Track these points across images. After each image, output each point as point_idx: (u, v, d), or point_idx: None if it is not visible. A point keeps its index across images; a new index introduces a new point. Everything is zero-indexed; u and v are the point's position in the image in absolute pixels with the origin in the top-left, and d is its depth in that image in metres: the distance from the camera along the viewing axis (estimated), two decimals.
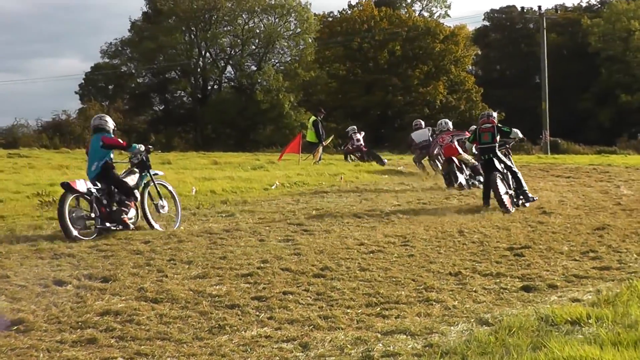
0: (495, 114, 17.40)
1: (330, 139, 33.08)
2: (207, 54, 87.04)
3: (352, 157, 30.15)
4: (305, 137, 32.35)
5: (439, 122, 23.72)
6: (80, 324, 7.01)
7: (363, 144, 30.77)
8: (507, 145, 17.10)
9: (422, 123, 26.80)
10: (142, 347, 6.37)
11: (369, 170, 25.64)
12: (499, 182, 15.58)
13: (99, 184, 12.47)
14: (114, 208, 12.43)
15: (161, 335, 6.73)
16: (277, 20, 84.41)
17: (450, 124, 23.49)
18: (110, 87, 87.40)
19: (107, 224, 12.16)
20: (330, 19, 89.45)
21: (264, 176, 22.24)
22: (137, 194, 12.87)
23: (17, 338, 6.55)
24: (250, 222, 13.60)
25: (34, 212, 14.62)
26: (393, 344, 6.60)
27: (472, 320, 7.50)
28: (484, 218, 14.25)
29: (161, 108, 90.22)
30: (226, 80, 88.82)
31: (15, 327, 6.84)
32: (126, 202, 12.55)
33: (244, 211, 15.02)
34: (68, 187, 12.10)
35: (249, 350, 6.40)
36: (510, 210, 15.20)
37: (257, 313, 7.58)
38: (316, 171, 24.23)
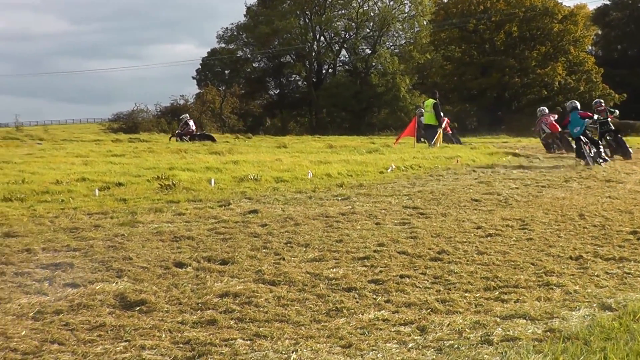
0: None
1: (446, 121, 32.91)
2: (322, 38, 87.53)
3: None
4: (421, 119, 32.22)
5: (539, 109, 30.11)
6: (200, 305, 7.11)
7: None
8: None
9: None
10: (261, 328, 6.41)
11: (486, 152, 25.31)
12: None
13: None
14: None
15: (279, 317, 6.76)
16: (391, 2, 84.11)
17: (546, 109, 29.79)
18: (226, 71, 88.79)
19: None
20: (446, 1, 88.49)
21: (379, 159, 22.19)
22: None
23: (140, 318, 6.69)
24: (366, 205, 13.58)
25: (154, 195, 14.94)
26: (512, 329, 6.48)
27: (595, 305, 7.29)
28: (606, 201, 13.86)
29: (276, 92, 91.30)
30: (340, 64, 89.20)
31: (138, 308, 6.98)
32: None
33: (360, 194, 15.01)
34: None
35: (366, 333, 6.38)
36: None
37: (374, 296, 7.55)
38: (432, 154, 24.05)
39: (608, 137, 25.08)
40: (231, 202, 13.81)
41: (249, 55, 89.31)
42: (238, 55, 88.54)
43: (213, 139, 38.04)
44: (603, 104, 26.63)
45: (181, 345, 5.99)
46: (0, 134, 46.60)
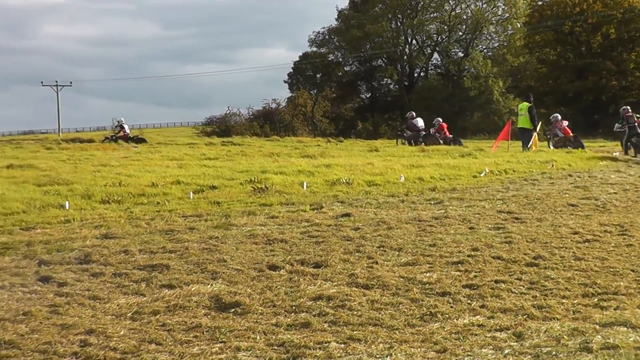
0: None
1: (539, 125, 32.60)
2: (414, 41, 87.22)
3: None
4: (514, 123, 31.96)
5: (552, 115, 33.95)
6: (294, 307, 7.14)
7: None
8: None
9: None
10: (355, 332, 6.40)
11: (582, 157, 24.83)
12: None
13: None
14: None
15: (373, 321, 6.74)
16: (484, 5, 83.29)
17: (559, 116, 33.46)
18: (318, 75, 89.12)
19: None
20: (540, 3, 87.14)
21: (472, 163, 21.97)
22: None
23: (234, 320, 6.74)
24: (459, 209, 13.45)
25: (247, 198, 15.09)
26: (613, 336, 6.31)
27: None
28: None
29: (368, 96, 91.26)
30: (432, 67, 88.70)
31: (233, 310, 7.05)
32: None
33: (453, 198, 14.89)
34: None
35: (461, 338, 6.30)
36: None
37: (469, 301, 7.46)
38: (526, 158, 23.71)
39: (633, 140, 29.30)
40: (324, 206, 13.85)
41: (340, 59, 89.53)
42: (329, 58, 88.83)
43: (144, 140, 41.88)
44: (630, 110, 30.42)
45: (275, 347, 6.02)
46: (99, 138, 47.65)
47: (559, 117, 33.23)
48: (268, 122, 68.87)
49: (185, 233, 11.09)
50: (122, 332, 6.30)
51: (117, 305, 7.20)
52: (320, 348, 6.00)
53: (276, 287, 7.93)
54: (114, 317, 6.81)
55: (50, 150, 33.00)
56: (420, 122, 37.26)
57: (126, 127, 43.13)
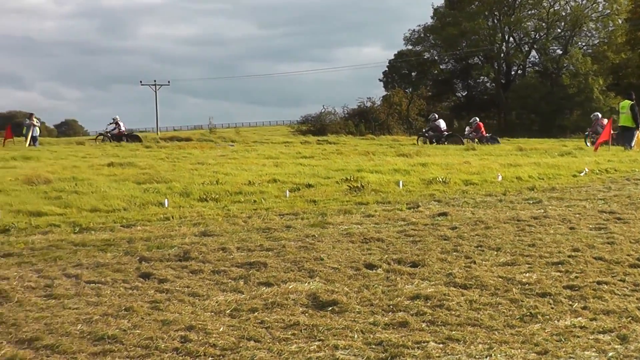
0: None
1: None
2: (511, 39, 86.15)
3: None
4: (616, 122, 31.32)
5: (593, 114, 37.58)
6: (391, 307, 7.10)
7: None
8: None
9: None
10: (453, 332, 6.33)
11: None
12: None
13: None
14: None
15: (471, 321, 6.65)
16: (584, 1, 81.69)
17: (599, 114, 36.91)
18: (413, 73, 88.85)
19: None
20: None
21: (571, 162, 21.58)
22: None
23: (332, 318, 6.74)
24: (559, 209, 13.19)
25: (343, 197, 15.10)
26: None
27: None
28: None
29: (464, 94, 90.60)
30: (530, 65, 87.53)
31: (330, 308, 7.05)
32: None
33: (552, 198, 14.62)
34: None
35: (562, 340, 6.17)
36: None
37: (570, 302, 7.30)
38: (628, 157, 23.16)
39: None
40: (420, 205, 13.76)
41: (436, 57, 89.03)
42: (425, 57, 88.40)
43: (139, 139, 42.31)
44: None
45: (373, 346, 5.99)
46: (195, 136, 48.42)
47: (599, 116, 36.40)
48: (363, 121, 68.95)
49: (282, 231, 11.16)
50: (221, 329, 6.37)
51: (216, 302, 7.28)
52: (418, 347, 5.95)
53: (373, 286, 7.90)
54: (213, 313, 6.89)
55: (149, 149, 33.69)
56: (442, 124, 39.48)
57: (121, 124, 43.87)
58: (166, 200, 14.22)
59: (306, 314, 6.88)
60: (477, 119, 41.23)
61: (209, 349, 5.88)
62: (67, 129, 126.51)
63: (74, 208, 13.57)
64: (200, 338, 6.12)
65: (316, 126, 67.98)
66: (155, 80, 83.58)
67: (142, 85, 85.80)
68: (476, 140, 37.90)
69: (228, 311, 6.95)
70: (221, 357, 5.75)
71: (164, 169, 20.88)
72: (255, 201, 14.58)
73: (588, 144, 35.02)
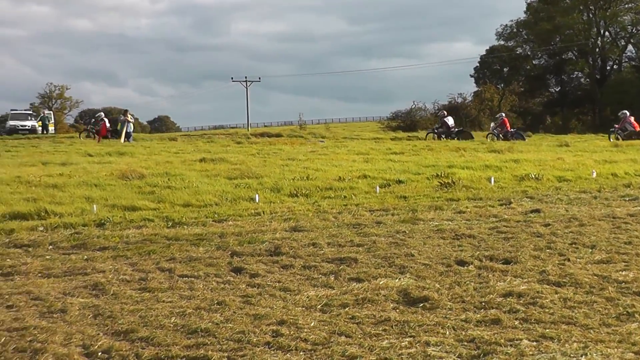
0: None
1: None
2: (606, 33, 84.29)
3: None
4: None
5: (621, 112, 38.27)
6: (483, 304, 7.01)
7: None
8: None
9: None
10: (547, 330, 6.21)
11: None
12: None
13: None
14: None
15: (566, 319, 6.52)
16: None
17: (627, 112, 37.65)
18: (505, 69, 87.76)
19: None
20: None
21: None
22: None
23: (423, 315, 6.69)
24: None
25: (434, 193, 15.01)
26: None
27: None
28: None
29: (557, 90, 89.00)
30: (626, 60, 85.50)
31: (422, 304, 7.00)
32: None
33: None
34: None
35: None
36: None
37: None
38: None
39: None
40: (512, 201, 13.58)
41: (528, 53, 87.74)
42: (517, 52, 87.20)
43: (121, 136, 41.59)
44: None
45: (465, 343, 5.92)
46: (286, 132, 48.68)
47: (628, 113, 37.65)
48: (454, 117, 68.39)
49: (373, 227, 11.14)
50: (312, 324, 6.38)
51: (307, 297, 7.30)
52: (511, 345, 5.85)
53: (465, 282, 7.82)
54: (304, 308, 6.91)
55: (240, 145, 33.99)
56: (451, 121, 40.85)
57: (106, 120, 43.73)
58: (257, 195, 14.35)
59: (397, 310, 6.84)
60: (503, 115, 41.92)
61: (301, 343, 5.89)
62: (160, 125, 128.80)
63: (167, 203, 13.80)
64: (291, 333, 6.15)
65: (406, 122, 67.76)
66: (246, 77, 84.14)
67: (233, 81, 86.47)
68: (501, 136, 38.59)
69: (319, 306, 6.96)
70: (312, 352, 5.76)
71: (255, 165, 21.06)
72: (345, 197, 14.60)
73: (611, 139, 36.78)
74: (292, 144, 33.50)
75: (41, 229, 11.40)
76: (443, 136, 39.77)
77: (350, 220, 11.87)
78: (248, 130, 67.15)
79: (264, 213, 12.73)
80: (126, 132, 39.04)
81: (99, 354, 5.73)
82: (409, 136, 44.47)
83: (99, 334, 6.20)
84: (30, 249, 9.90)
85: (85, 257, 9.34)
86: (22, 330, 6.28)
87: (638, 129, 36.91)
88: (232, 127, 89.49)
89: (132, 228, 11.43)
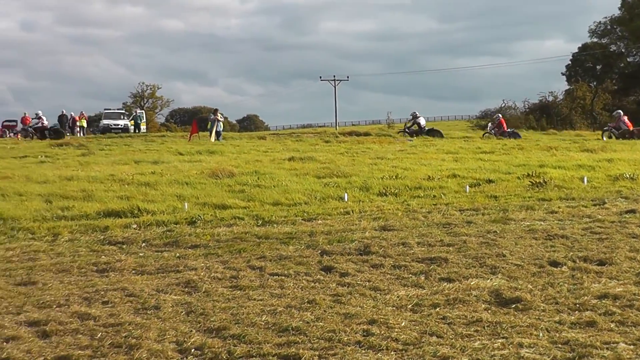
0: None
1: None
2: None
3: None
4: None
5: (616, 112, 40.64)
6: (577, 305, 6.87)
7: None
8: None
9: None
10: None
11: None
12: None
13: None
14: None
15: None
16: None
17: (621, 112, 39.76)
18: (598, 67, 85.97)
19: None
20: None
21: None
22: None
23: (515, 316, 6.60)
24: None
25: (525, 192, 14.81)
26: None
27: None
28: None
29: None
30: None
31: (514, 305, 6.90)
32: None
33: None
34: None
35: None
36: None
37: None
38: None
39: None
40: (606, 201, 13.30)
41: (623, 50, 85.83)
42: (611, 49, 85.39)
43: (62, 135, 43.21)
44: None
45: (559, 345, 5.81)
46: (374, 131, 48.57)
47: (622, 113, 39.51)
48: (544, 116, 67.33)
49: (463, 227, 11.03)
50: (403, 324, 6.35)
51: (397, 296, 7.27)
52: (607, 348, 5.72)
53: (558, 283, 7.68)
54: (394, 308, 6.88)
55: (329, 143, 34.04)
56: (422, 121, 42.72)
57: (44, 118, 44.61)
58: (346, 194, 14.36)
59: (489, 311, 6.76)
60: (500, 115, 44.36)
61: (392, 343, 5.87)
62: (249, 123, 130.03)
63: (256, 201, 13.92)
64: (382, 332, 6.13)
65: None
66: (334, 76, 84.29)
67: (321, 80, 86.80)
68: (497, 135, 40.12)
69: (409, 306, 6.93)
70: (404, 351, 5.73)
71: (343, 164, 21.08)
72: (434, 196, 14.50)
73: (605, 138, 37.98)
74: (380, 142, 33.38)
75: (134, 226, 11.62)
76: (414, 135, 40.95)
77: (440, 219, 11.79)
78: (336, 129, 67.25)
79: (353, 212, 12.73)
80: (216, 131, 39.44)
81: (192, 350, 5.81)
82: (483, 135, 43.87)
83: (191, 330, 6.28)
84: (124, 246, 10.11)
85: (178, 254, 9.49)
86: (117, 325, 6.42)
87: (631, 127, 38.39)
88: (320, 126, 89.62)
89: (222, 226, 11.56)
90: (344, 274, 8.24)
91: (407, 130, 42.56)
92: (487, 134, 41.49)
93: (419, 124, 41.83)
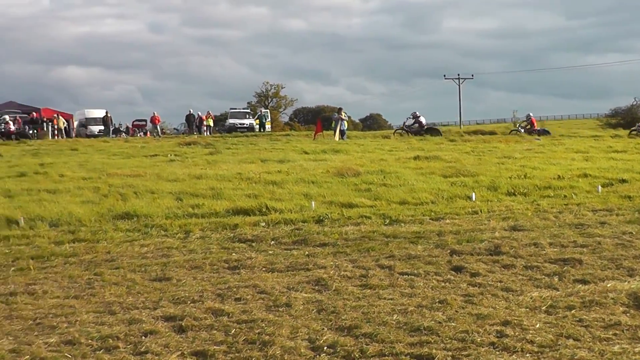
0: None
1: None
2: None
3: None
4: None
5: None
6: None
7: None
8: None
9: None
10: None
11: None
12: None
13: None
14: None
15: None
16: None
17: None
18: None
19: None
20: None
21: None
22: None
23: None
24: None
25: None
26: None
27: None
28: None
29: None
30: None
31: None
32: None
33: None
34: None
35: None
36: None
37: None
38: None
39: None
40: None
41: None
42: None
43: (29, 137, 44.88)
44: None
45: None
46: (500, 129, 47.93)
47: None
48: None
49: (596, 227, 10.74)
50: (537, 325, 6.21)
51: (531, 298, 7.12)
52: None
53: None
54: (528, 309, 6.74)
55: (454, 142, 33.75)
56: (423, 120, 43.22)
57: (11, 123, 45.22)
58: (473, 193, 14.19)
59: (627, 314, 6.55)
60: (531, 115, 45.01)
61: (527, 345, 5.75)
62: (372, 122, 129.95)
63: (383, 200, 13.89)
64: (516, 334, 6.01)
65: (627, 119, 64.94)
66: (458, 74, 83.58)
67: (445, 79, 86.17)
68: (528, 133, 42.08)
69: (543, 308, 6.77)
70: (539, 354, 5.60)
71: (469, 163, 20.85)
72: (565, 196, 14.18)
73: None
74: (506, 141, 32.87)
75: (263, 224, 11.75)
76: (413, 133, 41.80)
77: (571, 220, 11.51)
78: (460, 127, 66.67)
79: (481, 212, 12.56)
80: (340, 129, 39.59)
81: (325, 348, 5.82)
82: (630, 134, 42.60)
83: (323, 328, 6.30)
84: (253, 244, 10.23)
85: (307, 252, 9.55)
86: (250, 322, 6.49)
87: None
88: (444, 125, 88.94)
89: (350, 225, 11.58)
90: (475, 274, 8.13)
91: (405, 128, 43.53)
92: (514, 131, 43.85)
93: (420, 123, 42.63)
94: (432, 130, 42.86)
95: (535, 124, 43.95)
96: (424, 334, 6.05)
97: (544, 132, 42.05)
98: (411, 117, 43.23)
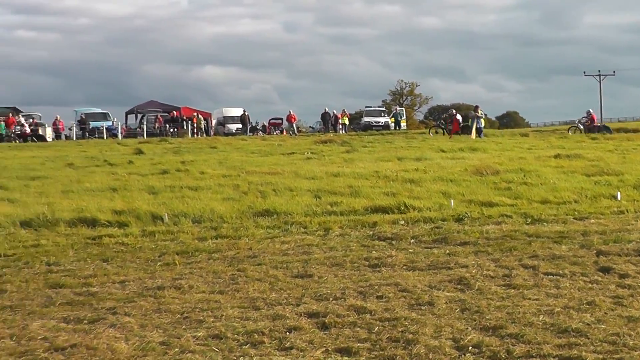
0: None
1: None
2: None
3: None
4: None
5: None
6: None
7: None
8: None
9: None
10: None
11: None
12: None
13: None
14: None
15: None
16: None
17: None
18: None
19: None
20: None
21: None
22: None
23: None
24: None
25: None
26: None
27: None
28: None
29: None
30: None
31: None
32: None
33: None
34: None
35: None
36: None
37: None
38: None
39: None
40: None
41: None
42: None
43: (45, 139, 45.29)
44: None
45: None
46: None
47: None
48: None
49: None
50: None
51: None
52: None
53: None
54: None
55: (596, 140, 32.91)
56: (460, 117, 42.91)
57: (26, 125, 45.28)
58: (619, 193, 13.76)
59: None
60: (592, 110, 44.19)
61: None
62: (509, 120, 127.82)
63: (524, 199, 13.65)
64: None
65: None
66: (599, 71, 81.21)
67: (585, 76, 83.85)
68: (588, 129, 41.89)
69: None
70: None
71: (613, 161, 20.25)
72: None
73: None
74: None
75: (402, 222, 11.72)
76: (450, 131, 41.52)
77: None
78: None
79: (627, 211, 12.17)
80: (477, 127, 39.13)
81: (470, 348, 5.74)
82: None
83: (467, 328, 6.22)
84: (393, 242, 10.21)
85: (447, 251, 9.46)
86: (393, 320, 6.47)
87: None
88: None
89: (490, 224, 11.42)
90: (624, 276, 7.87)
91: (442, 126, 44.52)
92: (573, 127, 44.24)
93: (457, 120, 42.39)
94: (604, 129, 42.67)
95: (595, 120, 43.93)
96: (572, 336, 5.90)
97: (604, 129, 41.80)
98: (448, 114, 44.57)
